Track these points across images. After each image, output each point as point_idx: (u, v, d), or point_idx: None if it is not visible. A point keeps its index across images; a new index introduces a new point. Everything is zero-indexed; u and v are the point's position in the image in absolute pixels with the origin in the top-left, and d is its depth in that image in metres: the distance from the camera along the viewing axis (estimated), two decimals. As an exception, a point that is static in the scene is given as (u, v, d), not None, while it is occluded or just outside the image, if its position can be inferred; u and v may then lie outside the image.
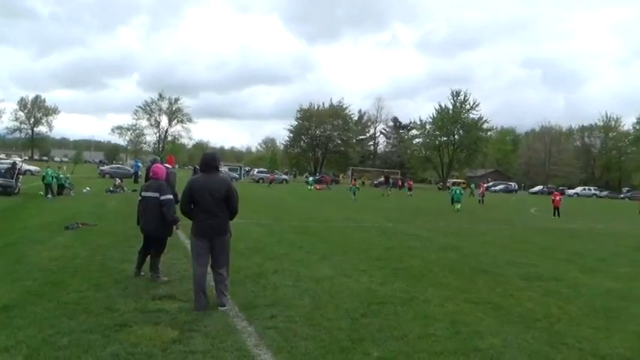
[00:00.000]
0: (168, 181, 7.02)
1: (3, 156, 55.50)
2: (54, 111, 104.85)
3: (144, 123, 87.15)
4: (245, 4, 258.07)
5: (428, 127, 74.56)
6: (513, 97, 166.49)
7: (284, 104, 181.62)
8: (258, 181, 54.73)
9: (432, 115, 73.85)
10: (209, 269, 5.36)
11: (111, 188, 24.33)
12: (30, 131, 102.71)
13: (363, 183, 57.46)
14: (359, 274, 7.46)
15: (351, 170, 70.59)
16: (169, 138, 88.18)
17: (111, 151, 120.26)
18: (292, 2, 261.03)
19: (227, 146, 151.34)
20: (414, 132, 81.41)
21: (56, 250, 8.15)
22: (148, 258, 6.55)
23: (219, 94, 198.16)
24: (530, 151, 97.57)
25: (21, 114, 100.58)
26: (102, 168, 48.61)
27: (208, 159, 5.44)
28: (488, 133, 76.18)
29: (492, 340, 4.67)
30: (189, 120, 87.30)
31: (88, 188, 24.65)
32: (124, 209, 15.04)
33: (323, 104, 78.98)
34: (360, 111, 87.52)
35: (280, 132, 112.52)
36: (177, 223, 6.44)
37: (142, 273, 6.54)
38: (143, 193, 6.52)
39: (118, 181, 26.71)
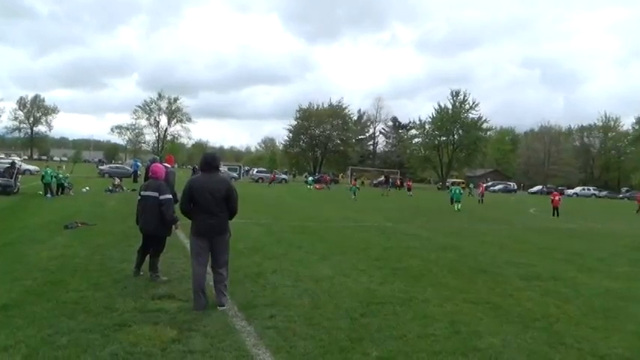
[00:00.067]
0: (168, 180, 7.01)
1: (2, 155, 55.49)
2: (53, 110, 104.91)
3: (143, 122, 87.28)
4: (244, 4, 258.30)
5: (427, 126, 74.60)
6: (513, 97, 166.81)
7: (283, 104, 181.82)
8: (257, 181, 54.70)
9: (431, 115, 73.95)
10: (208, 269, 5.37)
11: (110, 188, 24.31)
12: (29, 131, 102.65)
13: (363, 183, 57.44)
14: (358, 274, 7.47)
15: (350, 170, 70.62)
16: (169, 137, 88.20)
17: (110, 151, 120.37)
18: (292, 2, 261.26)
19: (226, 146, 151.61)
20: (414, 132, 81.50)
21: (55, 250, 8.15)
22: (148, 257, 6.55)
23: (219, 93, 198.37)
24: (529, 150, 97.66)
25: (20, 113, 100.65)
26: (101, 167, 48.52)
27: (209, 159, 5.45)
28: (488, 133, 76.20)
29: (491, 340, 4.67)
30: (189, 119, 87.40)
31: (87, 188, 24.63)
32: (124, 209, 15.04)
33: (322, 104, 79.04)
34: (359, 111, 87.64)
35: (280, 132, 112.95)
36: (176, 223, 6.45)
37: (142, 272, 6.54)
38: (142, 193, 6.52)
39: (117, 180, 26.68)
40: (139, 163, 39.20)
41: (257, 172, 62.22)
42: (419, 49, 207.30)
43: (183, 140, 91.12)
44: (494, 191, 64.89)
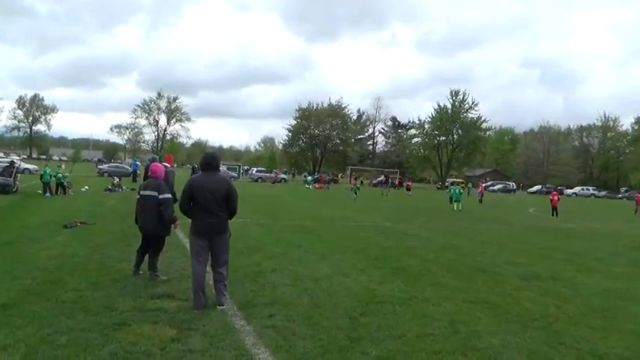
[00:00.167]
0: (167, 180, 7.00)
1: (1, 155, 55.33)
2: (52, 110, 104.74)
3: (142, 122, 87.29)
4: (244, 3, 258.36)
5: (427, 126, 74.69)
6: (512, 97, 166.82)
7: (283, 103, 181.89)
8: (256, 180, 54.65)
9: (430, 115, 74.05)
10: (208, 268, 5.37)
11: (109, 187, 24.29)
12: (28, 130, 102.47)
13: (362, 183, 57.46)
14: (357, 274, 7.47)
15: (350, 170, 70.62)
16: (168, 137, 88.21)
17: (109, 150, 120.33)
18: (292, 1, 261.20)
19: (226, 145, 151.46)
20: (413, 131, 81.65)
21: (55, 249, 8.14)
22: (147, 257, 6.55)
23: (218, 93, 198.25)
24: (528, 150, 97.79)
25: (19, 112, 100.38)
26: (100, 167, 48.49)
27: (209, 158, 5.46)
28: (487, 133, 76.26)
29: (491, 340, 4.68)
30: (188, 119, 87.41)
31: (86, 187, 24.61)
32: (123, 208, 15.03)
33: (322, 103, 78.95)
34: (358, 110, 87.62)
35: (279, 131, 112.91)
36: (175, 222, 6.45)
37: (141, 272, 6.54)
38: (141, 192, 6.52)
39: (116, 179, 26.66)
40: (138, 163, 39.22)
41: (256, 171, 62.18)
42: (419, 49, 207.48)
43: (183, 140, 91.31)
44: (493, 191, 64.92)
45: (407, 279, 7.30)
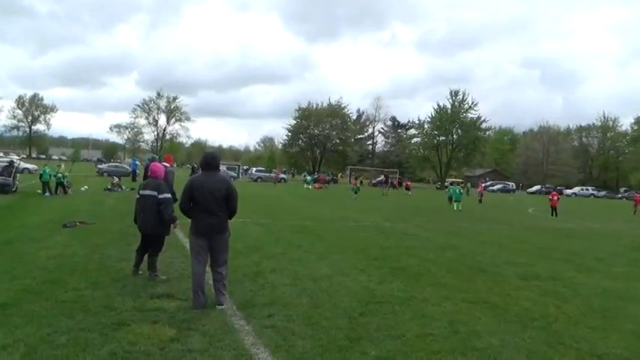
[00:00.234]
0: (167, 179, 7.00)
1: (1, 154, 55.33)
2: (52, 109, 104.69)
3: (142, 121, 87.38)
4: (244, 3, 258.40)
5: (426, 126, 74.74)
6: (512, 97, 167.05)
7: (283, 103, 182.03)
8: (256, 180, 54.61)
9: (430, 115, 74.05)
10: (208, 268, 5.37)
11: (109, 187, 24.28)
12: (28, 129, 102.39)
13: (362, 182, 57.48)
14: (357, 274, 7.47)
15: (350, 170, 70.63)
16: (167, 136, 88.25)
17: (109, 150, 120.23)
18: (292, 1, 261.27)
19: (225, 145, 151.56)
20: (413, 131, 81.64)
21: (54, 249, 8.14)
22: (146, 257, 6.54)
23: (218, 92, 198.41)
24: (528, 150, 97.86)
25: (19, 112, 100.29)
26: (100, 166, 48.40)
27: (209, 158, 5.47)
28: (487, 133, 76.32)
29: (490, 340, 4.68)
30: (188, 119, 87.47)
31: (86, 187, 24.60)
32: (122, 208, 15.03)
33: (322, 103, 79.00)
34: (358, 110, 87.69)
35: (279, 131, 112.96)
36: (175, 222, 6.44)
37: (140, 272, 6.53)
38: (141, 192, 6.51)
39: (115, 179, 26.65)
40: (137, 162, 39.18)
41: (256, 171, 62.14)
42: (419, 49, 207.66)
43: (182, 139, 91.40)
44: (492, 191, 64.94)
45: (406, 279, 7.30)
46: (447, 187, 39.89)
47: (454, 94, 71.78)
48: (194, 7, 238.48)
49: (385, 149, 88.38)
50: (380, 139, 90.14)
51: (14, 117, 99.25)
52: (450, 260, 9.26)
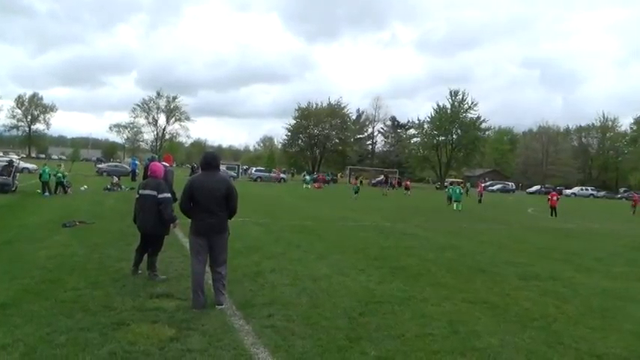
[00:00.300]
0: (166, 179, 7.00)
1: (0, 154, 55.30)
2: (51, 108, 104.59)
3: (142, 121, 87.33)
4: (244, 3, 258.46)
5: (426, 126, 74.73)
6: (512, 97, 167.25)
7: (282, 103, 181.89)
8: (255, 180, 54.58)
9: (430, 115, 74.04)
10: (207, 268, 5.37)
11: (108, 186, 24.26)
12: (27, 129, 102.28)
13: (361, 182, 57.51)
14: (357, 273, 7.47)
15: (349, 170, 70.61)
16: (167, 136, 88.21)
17: (108, 149, 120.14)
18: (292, 1, 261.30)
19: (225, 145, 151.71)
20: (412, 131, 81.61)
21: (54, 248, 8.13)
22: (146, 256, 6.54)
23: (218, 92, 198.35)
24: (527, 150, 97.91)
25: (18, 111, 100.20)
26: (99, 166, 48.38)
27: (209, 158, 5.47)
28: (486, 133, 76.36)
29: (490, 340, 4.68)
30: (187, 118, 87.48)
31: (85, 186, 24.59)
32: (122, 207, 15.02)
33: (321, 103, 79.02)
34: (358, 110, 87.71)
35: (278, 131, 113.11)
36: (175, 222, 6.44)
37: (140, 271, 6.53)
38: (141, 191, 6.51)
39: (115, 179, 26.63)
40: (137, 162, 39.16)
41: (255, 170, 62.11)
42: (419, 48, 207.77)
43: (182, 139, 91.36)
44: (492, 191, 64.95)
45: (406, 279, 7.30)
46: (446, 187, 39.89)
47: (454, 94, 71.89)
48: (194, 6, 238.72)
49: (385, 149, 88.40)
50: (379, 139, 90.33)
51: (14, 116, 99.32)
52: (450, 260, 9.26)
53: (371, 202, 28.45)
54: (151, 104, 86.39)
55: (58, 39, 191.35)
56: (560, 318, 5.64)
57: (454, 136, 72.24)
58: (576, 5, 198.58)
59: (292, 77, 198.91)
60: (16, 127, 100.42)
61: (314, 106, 78.36)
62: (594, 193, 71.58)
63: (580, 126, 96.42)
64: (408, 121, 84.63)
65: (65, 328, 4.34)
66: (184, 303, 5.28)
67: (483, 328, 5.03)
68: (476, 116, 71.45)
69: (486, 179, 74.48)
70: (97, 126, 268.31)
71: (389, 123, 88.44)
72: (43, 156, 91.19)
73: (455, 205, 25.08)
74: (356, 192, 31.78)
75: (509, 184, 76.19)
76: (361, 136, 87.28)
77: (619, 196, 69.54)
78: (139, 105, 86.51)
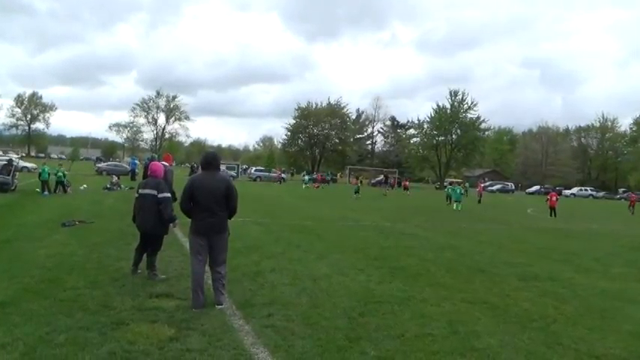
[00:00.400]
0: (166, 179, 7.00)
1: (0, 152, 55.24)
2: (51, 108, 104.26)
3: (141, 120, 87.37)
4: (244, 3, 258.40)
5: (425, 126, 74.70)
6: (512, 97, 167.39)
7: (282, 103, 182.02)
8: (255, 180, 54.55)
9: (429, 115, 74.04)
10: (207, 267, 5.37)
11: (108, 186, 24.26)
12: (27, 128, 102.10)
13: (361, 182, 57.50)
14: (356, 273, 7.47)
15: (349, 169, 70.60)
16: (167, 136, 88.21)
17: (108, 149, 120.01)
18: (292, 1, 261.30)
19: (224, 144, 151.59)
20: (412, 131, 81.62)
21: (53, 248, 8.13)
22: (145, 256, 6.54)
23: (218, 92, 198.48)
24: (527, 151, 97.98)
25: (17, 110, 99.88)
26: (99, 165, 48.31)
27: (209, 157, 5.48)
28: (486, 133, 76.39)
29: (489, 340, 4.68)
30: (187, 118, 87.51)
31: (85, 185, 24.58)
32: (121, 207, 15.01)
33: (321, 103, 79.07)
34: (358, 110, 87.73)
35: (278, 130, 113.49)
36: (174, 222, 6.44)
37: (139, 271, 6.53)
38: (140, 191, 6.51)
39: (115, 178, 26.62)
40: (136, 161, 39.16)
41: (255, 170, 62.09)
42: (419, 48, 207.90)
43: (182, 138, 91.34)
44: (492, 191, 64.97)
45: (405, 279, 7.31)
46: (446, 187, 39.91)
47: (453, 94, 71.87)
48: (194, 6, 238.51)
49: (384, 149, 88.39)
50: (379, 139, 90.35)
51: (13, 115, 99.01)
52: (449, 260, 9.26)
53: (371, 202, 28.45)
54: (151, 104, 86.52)
55: (58, 38, 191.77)
56: (559, 318, 5.64)
57: (454, 136, 72.24)
58: (576, 5, 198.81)
59: (292, 77, 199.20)
60: (16, 126, 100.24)
61: (314, 105, 78.40)
62: (593, 193, 71.57)
63: (579, 126, 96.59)
64: (408, 121, 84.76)
65: (64, 327, 4.34)
66: (184, 303, 5.27)
67: (483, 329, 5.03)
68: (475, 116, 71.58)
69: (486, 179, 74.50)
70: (96, 125, 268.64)
71: (389, 123, 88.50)
72: (42, 155, 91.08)
73: (455, 205, 25.11)
74: (356, 192, 31.81)
75: (509, 184, 76.20)
76: (361, 136, 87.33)
77: (618, 196, 69.59)
78: (138, 104, 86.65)
